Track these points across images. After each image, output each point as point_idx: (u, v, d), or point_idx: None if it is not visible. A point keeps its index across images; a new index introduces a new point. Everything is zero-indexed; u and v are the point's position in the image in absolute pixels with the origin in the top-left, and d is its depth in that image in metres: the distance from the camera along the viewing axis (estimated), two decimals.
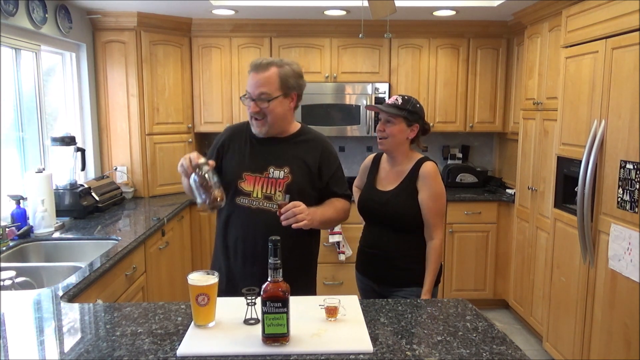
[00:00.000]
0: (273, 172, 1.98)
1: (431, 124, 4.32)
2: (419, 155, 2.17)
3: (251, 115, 1.97)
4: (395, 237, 2.14)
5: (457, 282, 4.22)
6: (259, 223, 1.96)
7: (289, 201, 1.87)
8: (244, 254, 2.00)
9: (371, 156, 2.36)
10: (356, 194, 2.40)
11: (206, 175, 1.77)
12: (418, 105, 2.14)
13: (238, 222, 2.00)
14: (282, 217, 1.85)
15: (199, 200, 1.80)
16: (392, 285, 2.14)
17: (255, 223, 1.97)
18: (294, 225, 1.84)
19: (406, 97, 2.14)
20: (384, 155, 2.27)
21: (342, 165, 2.14)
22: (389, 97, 4.23)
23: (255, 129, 1.99)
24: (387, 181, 2.20)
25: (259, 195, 1.97)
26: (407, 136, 2.13)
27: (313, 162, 2.03)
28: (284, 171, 1.98)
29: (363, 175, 2.37)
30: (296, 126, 2.10)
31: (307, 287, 2.09)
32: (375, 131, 4.46)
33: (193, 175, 1.77)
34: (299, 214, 1.84)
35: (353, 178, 5.00)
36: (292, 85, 1.98)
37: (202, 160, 1.77)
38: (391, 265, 2.14)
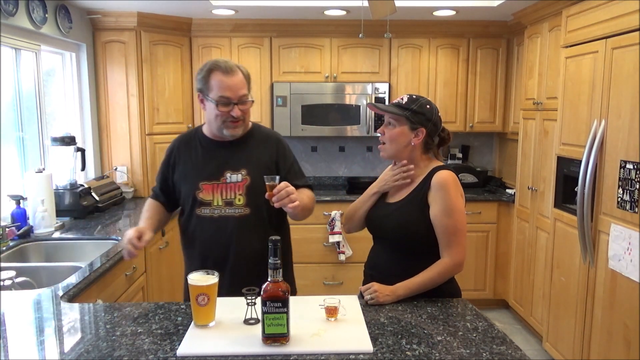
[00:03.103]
0: (230, 177, 1.94)
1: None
2: (436, 164, 1.84)
3: (230, 119, 1.90)
4: (397, 257, 1.83)
5: (457, 282, 4.22)
6: (224, 231, 1.94)
7: (279, 182, 1.80)
8: (214, 264, 1.87)
9: (392, 165, 2.02)
10: None
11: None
12: (428, 107, 1.80)
13: (203, 234, 1.96)
14: (274, 199, 1.77)
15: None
16: None
17: (220, 231, 1.94)
18: (289, 206, 1.77)
19: (414, 97, 1.82)
20: None
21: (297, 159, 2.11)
22: (389, 97, 4.27)
23: (230, 132, 1.93)
24: (398, 193, 1.88)
25: (220, 203, 1.94)
26: (409, 141, 1.80)
27: (269, 159, 2.00)
28: (241, 174, 1.95)
29: None
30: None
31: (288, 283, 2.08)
32: (375, 131, 4.47)
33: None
34: (292, 193, 1.77)
35: (353, 178, 4.99)
36: (251, 86, 1.99)
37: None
38: None
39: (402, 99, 1.83)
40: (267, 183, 1.80)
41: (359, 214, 1.96)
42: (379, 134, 1.88)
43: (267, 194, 1.80)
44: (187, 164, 2.01)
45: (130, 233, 1.82)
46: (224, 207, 1.94)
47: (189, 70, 4.24)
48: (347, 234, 2.08)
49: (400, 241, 1.82)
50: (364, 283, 1.94)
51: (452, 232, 1.75)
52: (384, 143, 1.85)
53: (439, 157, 1.91)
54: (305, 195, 1.98)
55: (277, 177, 1.81)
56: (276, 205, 1.78)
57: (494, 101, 4.41)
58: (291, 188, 1.79)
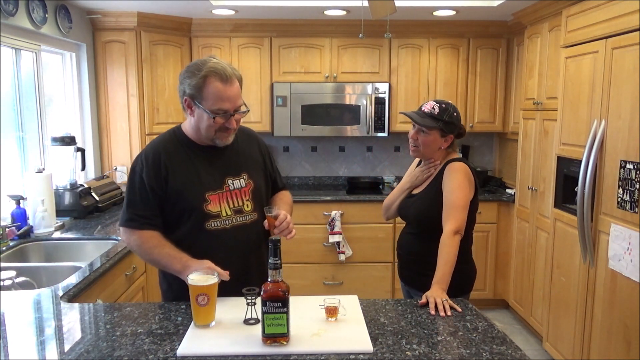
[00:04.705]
0: (233, 183, 1.84)
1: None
2: (452, 156, 2.10)
3: (224, 129, 1.78)
4: (418, 238, 2.12)
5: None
6: (241, 240, 1.84)
7: (275, 212, 1.79)
8: (235, 278, 1.70)
9: (417, 160, 2.27)
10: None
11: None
12: (455, 114, 2.05)
13: (217, 249, 1.77)
14: (276, 231, 1.77)
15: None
16: (421, 290, 1.87)
17: (236, 242, 1.82)
18: (288, 237, 1.78)
19: (443, 106, 2.05)
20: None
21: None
22: (389, 97, 4.27)
23: (223, 141, 1.81)
24: (421, 185, 2.16)
25: (229, 213, 1.82)
26: (440, 146, 2.08)
27: (260, 158, 1.97)
28: (243, 179, 1.87)
29: None
30: None
31: None
32: (375, 131, 4.47)
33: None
34: (290, 223, 1.78)
35: (353, 178, 4.98)
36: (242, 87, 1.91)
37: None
38: (416, 271, 2.11)
39: (433, 108, 2.04)
40: (268, 214, 1.79)
41: (395, 205, 2.25)
42: (411, 138, 2.11)
43: (267, 224, 1.79)
44: (185, 174, 1.81)
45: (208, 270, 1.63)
46: (233, 217, 1.83)
47: None
48: (386, 221, 2.50)
49: (420, 225, 2.11)
50: (398, 264, 2.26)
51: (450, 207, 1.96)
52: (415, 146, 2.11)
53: (455, 150, 2.16)
54: (288, 205, 2.03)
55: (275, 208, 1.83)
56: (277, 235, 1.76)
57: (494, 101, 4.41)
58: (289, 218, 1.80)
